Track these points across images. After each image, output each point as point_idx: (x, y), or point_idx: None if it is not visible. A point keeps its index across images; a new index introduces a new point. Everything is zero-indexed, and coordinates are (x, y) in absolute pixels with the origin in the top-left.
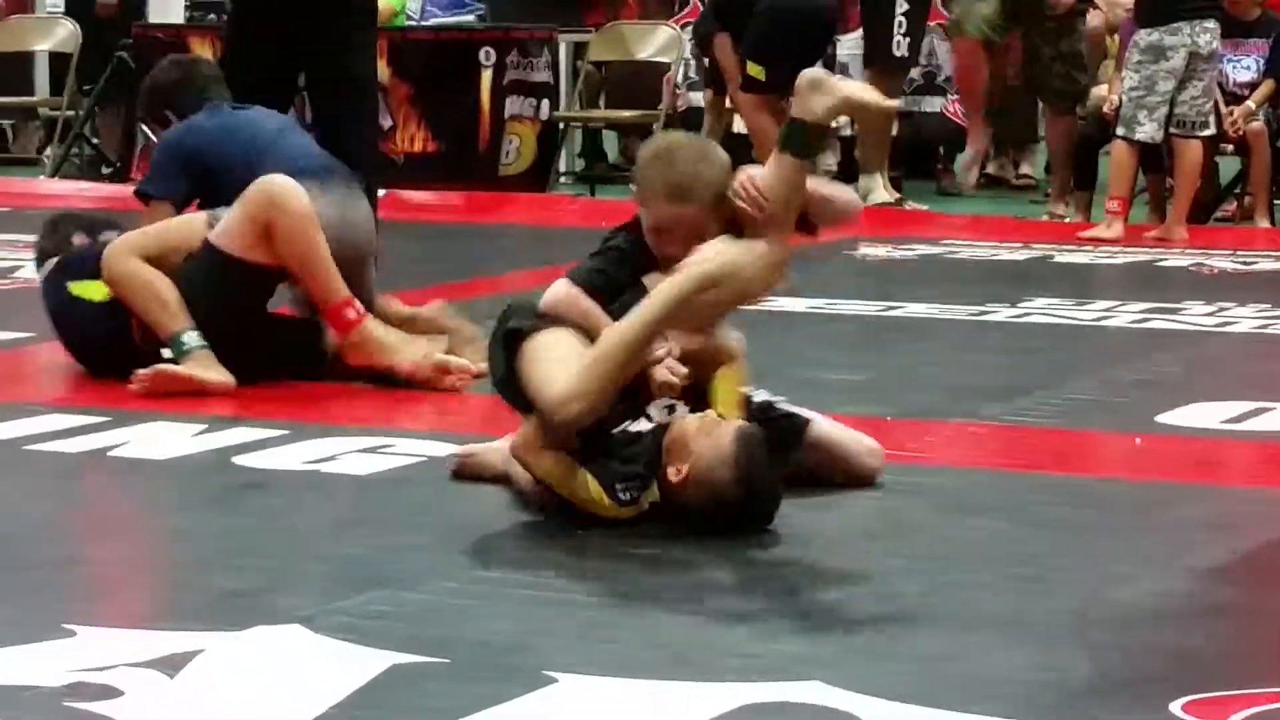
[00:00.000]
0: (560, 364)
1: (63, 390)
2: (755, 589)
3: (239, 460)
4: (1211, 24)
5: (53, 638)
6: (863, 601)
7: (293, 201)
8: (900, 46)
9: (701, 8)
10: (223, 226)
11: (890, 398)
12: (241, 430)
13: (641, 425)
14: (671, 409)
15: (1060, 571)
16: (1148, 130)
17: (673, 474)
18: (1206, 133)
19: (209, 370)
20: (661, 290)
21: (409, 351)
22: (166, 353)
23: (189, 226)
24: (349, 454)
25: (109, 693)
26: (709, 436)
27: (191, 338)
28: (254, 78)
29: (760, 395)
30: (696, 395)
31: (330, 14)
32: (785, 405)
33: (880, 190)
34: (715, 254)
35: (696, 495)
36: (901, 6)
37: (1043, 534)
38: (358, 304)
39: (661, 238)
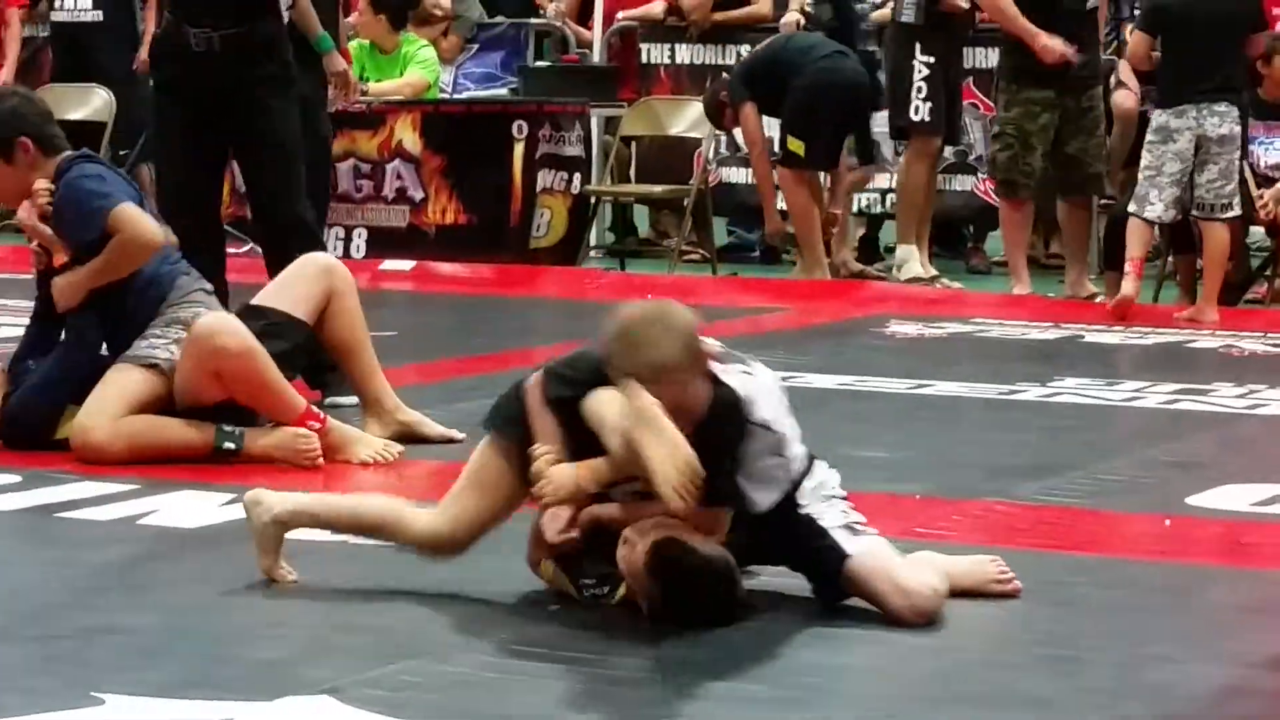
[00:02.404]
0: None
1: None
2: (782, 668)
3: None
4: (1223, 107)
5: (82, 706)
6: (888, 679)
7: (232, 342)
8: (920, 111)
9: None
10: (178, 384)
11: (921, 476)
12: None
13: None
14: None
15: (1092, 652)
16: (1157, 210)
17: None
18: (1230, 215)
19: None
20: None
21: (365, 447)
22: (230, 445)
23: (131, 380)
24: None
25: None
26: (631, 549)
27: (233, 429)
28: (184, 155)
29: (820, 507)
30: None
31: (248, 83)
32: (837, 524)
33: (916, 264)
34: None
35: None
36: (921, 72)
37: (1074, 614)
38: (316, 411)
39: None
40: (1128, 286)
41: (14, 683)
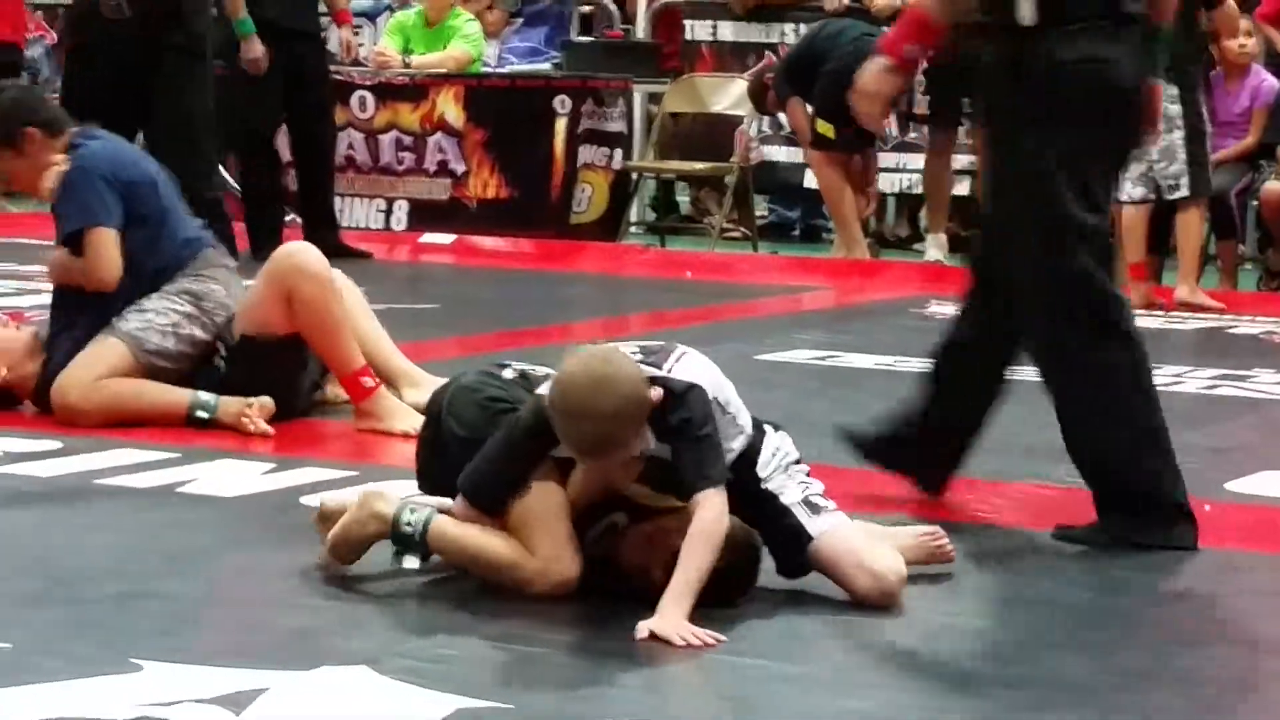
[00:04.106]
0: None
1: (132, 425)
2: (815, 647)
3: (307, 500)
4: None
5: (119, 672)
6: (923, 661)
7: (312, 266)
8: (920, 104)
9: (775, 60)
10: (245, 306)
11: None
12: (310, 470)
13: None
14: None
15: (1127, 636)
16: (1125, 189)
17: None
18: (1178, 195)
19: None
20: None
21: (409, 422)
22: (202, 414)
23: (112, 352)
24: (418, 497)
25: None
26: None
27: (208, 397)
28: (94, 120)
29: (780, 479)
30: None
31: (155, 51)
32: (797, 499)
33: (933, 249)
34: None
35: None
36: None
37: (1110, 598)
38: (370, 370)
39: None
40: (1134, 296)
41: (52, 647)
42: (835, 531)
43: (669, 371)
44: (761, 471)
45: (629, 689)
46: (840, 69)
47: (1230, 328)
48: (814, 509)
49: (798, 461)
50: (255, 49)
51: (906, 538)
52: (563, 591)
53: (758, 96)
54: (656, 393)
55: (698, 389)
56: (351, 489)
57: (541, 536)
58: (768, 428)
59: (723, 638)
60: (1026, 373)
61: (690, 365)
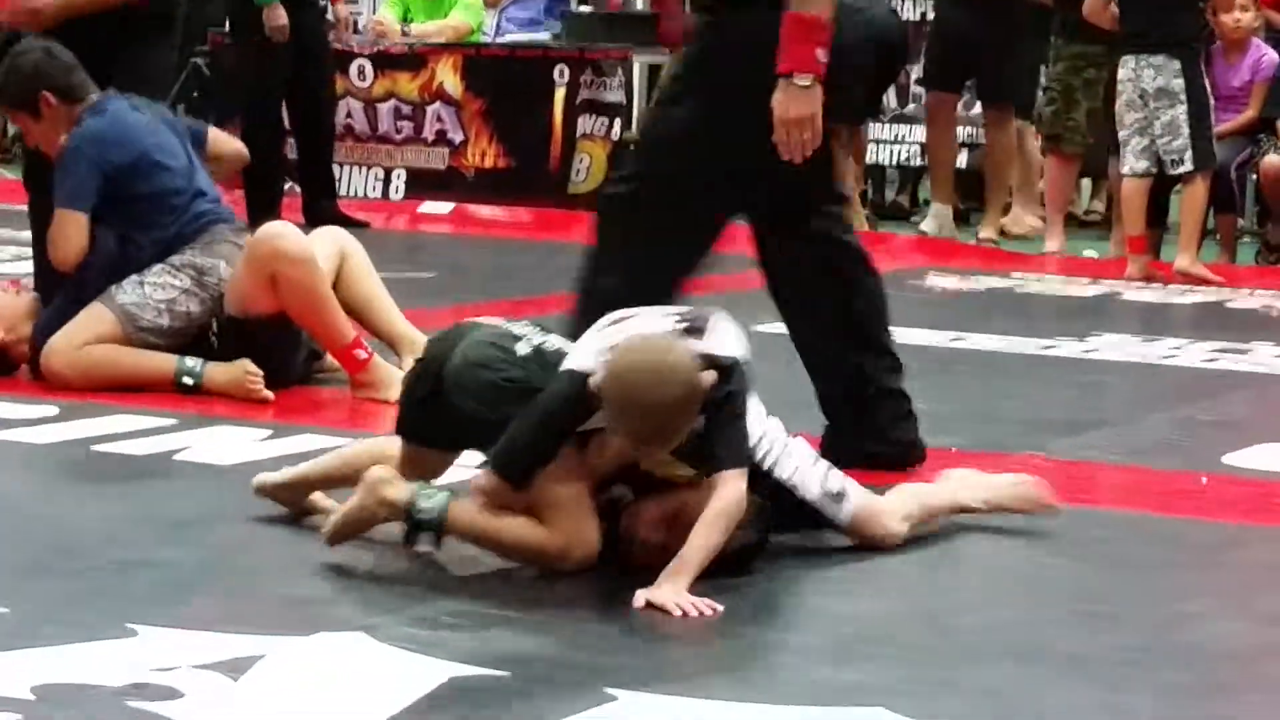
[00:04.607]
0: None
1: (129, 391)
2: (814, 617)
3: None
4: (1160, 60)
5: (116, 637)
6: (927, 633)
7: (294, 248)
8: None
9: None
10: (231, 288)
11: (957, 429)
12: (307, 437)
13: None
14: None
15: (1127, 609)
16: (1129, 163)
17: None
18: (1181, 170)
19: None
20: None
21: None
22: (188, 381)
23: (102, 322)
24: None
25: (170, 694)
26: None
27: (194, 362)
28: None
29: (787, 463)
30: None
31: (128, 14)
32: (830, 501)
33: (930, 220)
34: None
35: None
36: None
37: (1110, 570)
38: (363, 342)
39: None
40: (1133, 269)
41: (50, 614)
42: (858, 513)
43: (712, 345)
44: (758, 454)
45: (625, 659)
46: (843, 42)
47: (1229, 301)
48: (836, 499)
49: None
50: (279, 16)
51: (1004, 487)
52: (585, 567)
53: None
54: (710, 375)
55: (741, 364)
56: (292, 468)
57: (564, 514)
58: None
59: (720, 607)
60: (1024, 345)
61: (727, 334)
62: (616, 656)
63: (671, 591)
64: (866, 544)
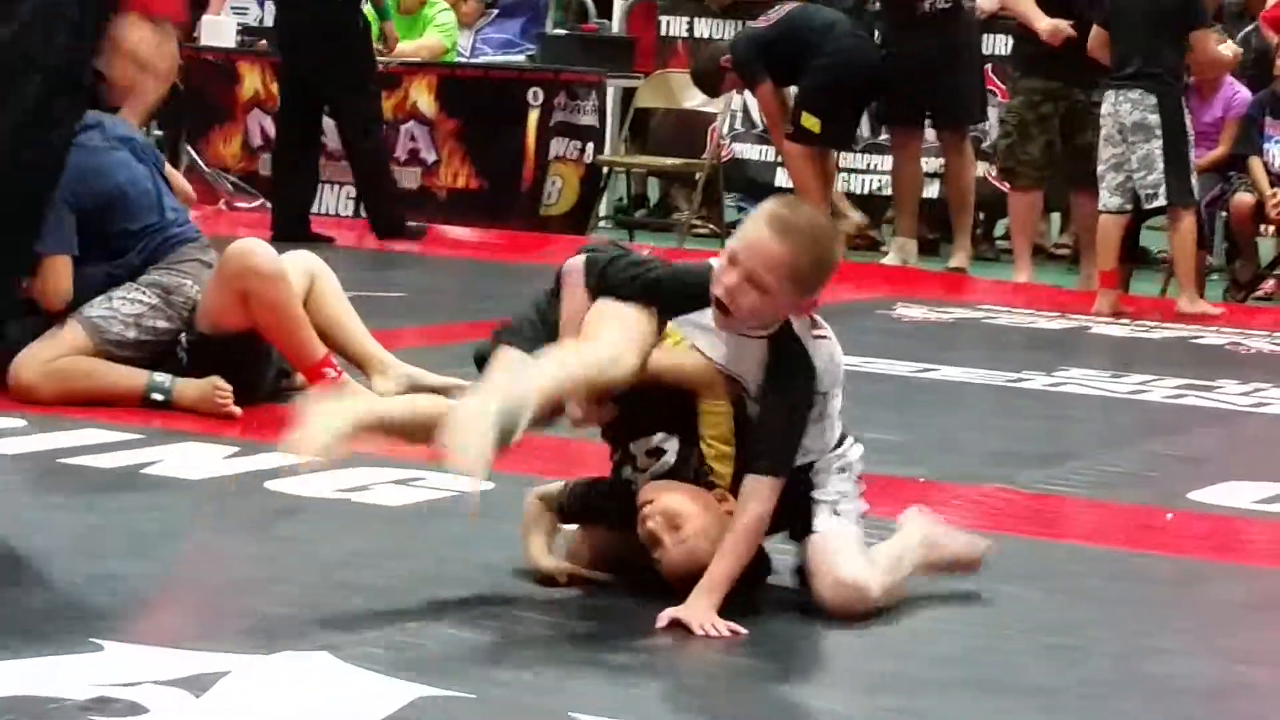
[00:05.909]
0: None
1: (97, 405)
2: (782, 645)
3: (271, 485)
4: (1136, 94)
5: (80, 651)
6: (894, 663)
7: (265, 264)
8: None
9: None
10: (202, 304)
11: (924, 460)
12: (274, 455)
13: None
14: (660, 452)
15: (1092, 643)
16: (1104, 199)
17: (670, 541)
18: (1156, 204)
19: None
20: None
21: None
22: (158, 396)
23: (71, 335)
24: (381, 485)
25: (134, 709)
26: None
27: (164, 378)
28: None
29: (822, 476)
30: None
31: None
32: (825, 498)
33: (894, 254)
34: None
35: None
36: None
37: (1075, 604)
38: (333, 360)
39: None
40: (1102, 304)
41: (15, 625)
42: (829, 533)
43: (811, 345)
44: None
45: (592, 680)
46: (838, 63)
47: (1196, 338)
48: (834, 512)
49: (853, 477)
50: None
51: (958, 541)
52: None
53: (712, 79)
54: (811, 305)
55: (821, 370)
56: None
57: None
58: (851, 441)
59: (744, 631)
60: (992, 377)
61: (824, 351)
62: (583, 682)
63: (700, 613)
64: (809, 579)
